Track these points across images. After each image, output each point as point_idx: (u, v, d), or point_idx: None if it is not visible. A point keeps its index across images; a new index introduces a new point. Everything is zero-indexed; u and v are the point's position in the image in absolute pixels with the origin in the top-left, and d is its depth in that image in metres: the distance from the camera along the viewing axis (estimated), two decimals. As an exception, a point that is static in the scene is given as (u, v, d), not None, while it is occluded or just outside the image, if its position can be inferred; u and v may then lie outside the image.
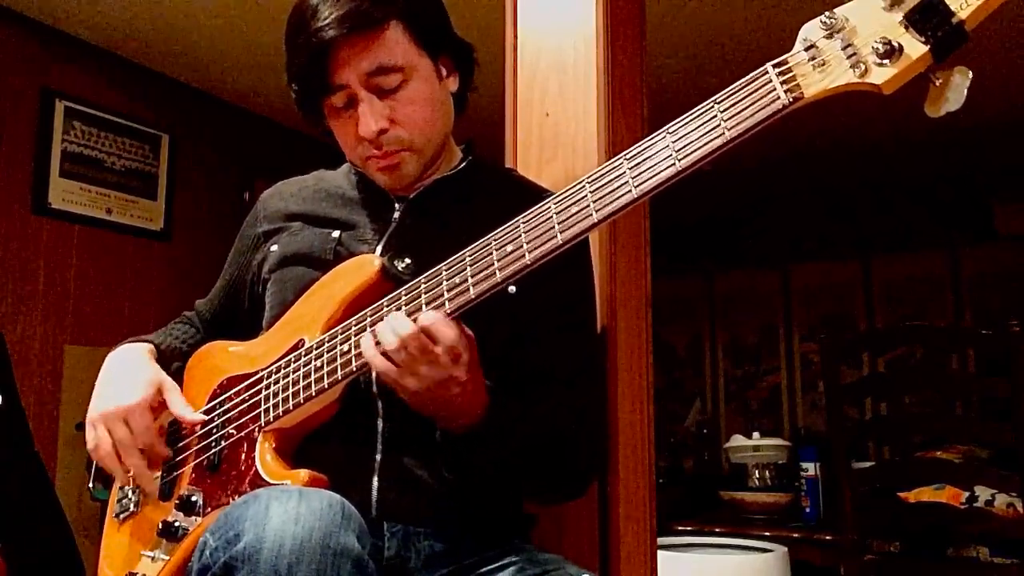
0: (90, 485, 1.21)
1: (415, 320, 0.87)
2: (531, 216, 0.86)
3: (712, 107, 0.79)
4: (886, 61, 0.73)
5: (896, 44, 0.73)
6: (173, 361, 1.17)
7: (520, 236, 0.86)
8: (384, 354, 0.88)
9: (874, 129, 3.64)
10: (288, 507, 0.76)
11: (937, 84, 0.73)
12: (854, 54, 0.75)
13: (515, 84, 1.38)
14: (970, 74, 0.73)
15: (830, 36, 0.76)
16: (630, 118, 1.35)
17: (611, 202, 0.82)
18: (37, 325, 2.82)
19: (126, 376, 1.09)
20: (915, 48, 0.73)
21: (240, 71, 3.24)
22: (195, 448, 1.06)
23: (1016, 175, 4.06)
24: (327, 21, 0.98)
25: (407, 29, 1.03)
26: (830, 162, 4.14)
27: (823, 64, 0.76)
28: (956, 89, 0.73)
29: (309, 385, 0.95)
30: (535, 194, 1.12)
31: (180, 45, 3.05)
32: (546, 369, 1.05)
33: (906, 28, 0.73)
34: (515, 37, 1.40)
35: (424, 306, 0.89)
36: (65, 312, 2.91)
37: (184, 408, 1.07)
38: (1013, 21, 2.73)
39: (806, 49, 0.77)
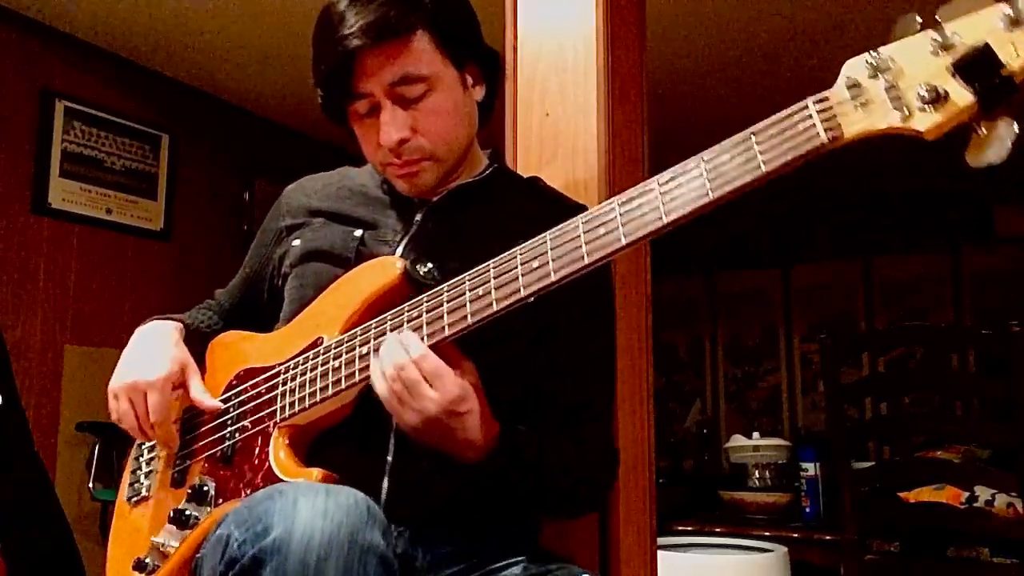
0: (90, 485, 1.22)
1: (412, 350, 0.87)
2: (559, 233, 0.86)
3: (749, 138, 0.78)
4: (930, 107, 0.71)
5: (942, 91, 0.71)
6: (199, 343, 1.18)
7: (547, 252, 0.85)
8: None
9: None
10: (316, 502, 0.76)
11: (981, 134, 0.71)
12: (898, 97, 0.73)
13: (515, 84, 1.39)
14: (1015, 126, 0.71)
15: (875, 76, 0.74)
16: (630, 118, 1.35)
17: (640, 227, 0.81)
18: (37, 325, 2.83)
19: (152, 351, 1.10)
20: (962, 97, 0.71)
21: (240, 71, 3.24)
22: (209, 438, 1.07)
23: (1016, 176, 4.06)
24: (352, 29, 0.97)
25: (433, 38, 1.02)
26: (830, 162, 4.14)
27: (865, 104, 0.74)
28: (1001, 140, 0.71)
29: (327, 386, 0.95)
30: (559, 204, 1.13)
31: (180, 45, 3.05)
32: (565, 396, 1.05)
33: (953, 75, 0.71)
34: (515, 37, 1.40)
35: (445, 315, 0.89)
36: (65, 312, 2.91)
37: (203, 393, 1.08)
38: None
39: (849, 87, 0.75)
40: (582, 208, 1.13)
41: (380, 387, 0.90)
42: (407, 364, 0.87)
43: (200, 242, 3.33)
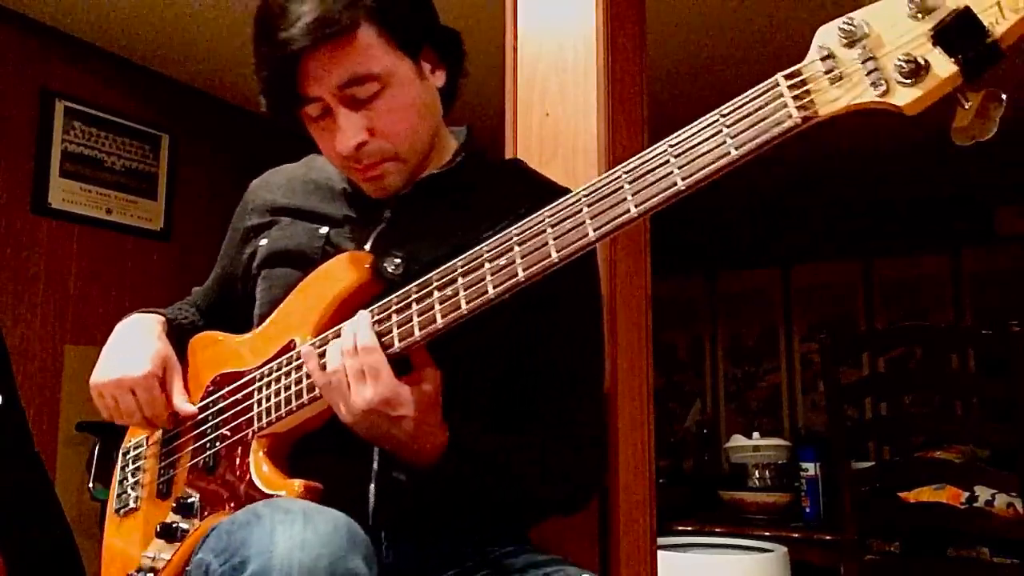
0: (90, 485, 1.22)
1: (360, 339, 0.86)
2: (525, 228, 0.82)
3: (717, 120, 0.73)
4: (910, 80, 0.65)
5: (922, 61, 0.65)
6: (181, 337, 1.16)
7: (514, 250, 0.81)
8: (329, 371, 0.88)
9: (875, 129, 3.64)
10: (294, 532, 0.74)
11: (966, 107, 0.65)
12: (875, 69, 0.67)
13: (515, 84, 1.38)
14: (1003, 98, 0.65)
15: (850, 45, 0.68)
16: (630, 118, 1.35)
17: (609, 220, 0.76)
18: (37, 325, 2.82)
19: (136, 345, 1.09)
20: (943, 66, 0.64)
21: (240, 71, 3.24)
22: (191, 447, 1.06)
23: (1016, 176, 4.06)
24: (292, 31, 0.91)
25: (381, 31, 0.94)
26: (830, 162, 4.14)
27: (840, 78, 0.68)
28: (987, 115, 0.65)
29: (301, 392, 0.94)
30: (540, 188, 1.08)
31: (180, 45, 3.05)
32: (545, 394, 1.02)
33: (934, 42, 0.65)
34: (515, 37, 1.40)
35: (415, 318, 0.86)
36: (65, 312, 2.91)
37: (180, 398, 1.07)
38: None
39: (822, 59, 0.69)
40: (567, 192, 1.10)
41: (316, 374, 0.89)
42: (351, 352, 0.85)
43: (200, 242, 3.33)
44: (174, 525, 1.01)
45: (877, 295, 4.61)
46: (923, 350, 4.22)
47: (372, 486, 0.97)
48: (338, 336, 0.92)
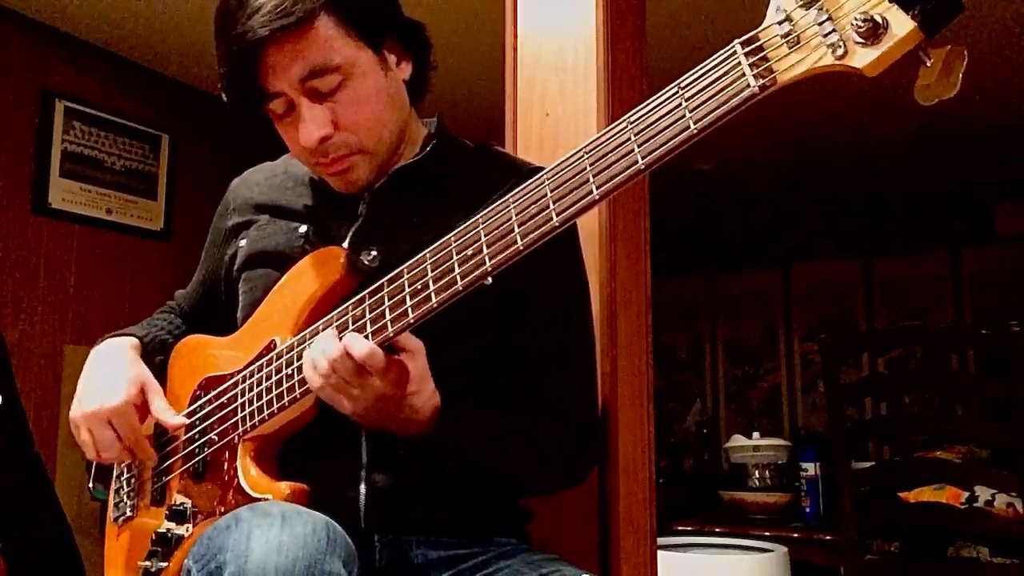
0: (90, 485, 1.21)
1: (346, 344, 0.84)
2: (491, 217, 0.81)
3: (676, 92, 0.72)
4: (868, 40, 0.63)
5: (880, 19, 0.63)
6: (157, 354, 1.15)
7: (480, 240, 0.80)
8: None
9: (875, 129, 3.64)
10: (270, 536, 0.74)
11: (928, 65, 0.63)
12: (833, 30, 0.65)
13: (515, 84, 1.38)
14: (966, 54, 0.63)
15: (807, 6, 0.67)
16: (630, 118, 1.35)
17: (572, 204, 0.75)
18: (37, 325, 2.82)
19: (109, 375, 1.07)
20: (902, 24, 0.62)
21: (240, 71, 3.24)
22: (181, 453, 1.05)
23: (1016, 175, 4.06)
24: (249, 23, 0.90)
25: (340, 22, 0.93)
26: (830, 162, 4.14)
27: (797, 42, 0.67)
28: (950, 72, 0.63)
29: (282, 394, 0.93)
30: (512, 168, 1.06)
31: (180, 45, 3.05)
32: (532, 369, 1.02)
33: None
34: (515, 37, 1.40)
35: (388, 312, 0.85)
36: (65, 312, 2.91)
37: (166, 412, 1.05)
38: (1018, 13, 2.73)
39: (779, 22, 0.68)
40: (540, 171, 1.08)
41: (311, 378, 0.88)
42: (341, 356, 0.84)
43: (200, 242, 3.30)
44: (168, 533, 1.01)
45: (877, 295, 4.61)
46: (923, 350, 4.22)
47: (362, 486, 0.96)
48: (316, 334, 0.91)
